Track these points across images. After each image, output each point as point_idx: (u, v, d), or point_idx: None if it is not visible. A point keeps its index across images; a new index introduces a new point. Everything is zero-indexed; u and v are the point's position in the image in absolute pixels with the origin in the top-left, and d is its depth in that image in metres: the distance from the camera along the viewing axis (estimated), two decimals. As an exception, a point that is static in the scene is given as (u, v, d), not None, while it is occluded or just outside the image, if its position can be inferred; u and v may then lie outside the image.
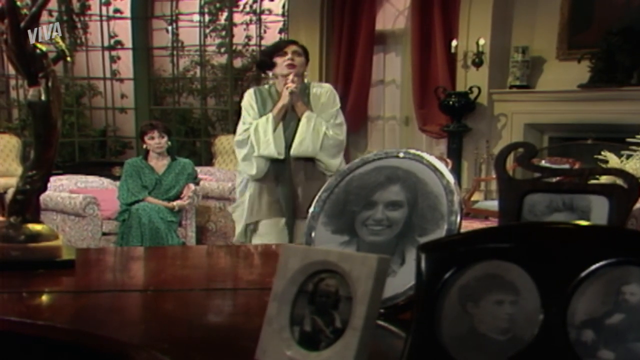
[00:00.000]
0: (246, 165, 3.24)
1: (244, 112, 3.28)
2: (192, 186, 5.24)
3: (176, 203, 5.14)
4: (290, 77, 3.15)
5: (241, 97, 3.34)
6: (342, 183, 1.30)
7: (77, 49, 9.08)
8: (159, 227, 4.93)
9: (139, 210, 4.95)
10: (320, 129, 3.15)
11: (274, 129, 3.16)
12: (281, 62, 3.20)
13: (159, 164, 5.20)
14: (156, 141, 5.13)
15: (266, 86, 3.34)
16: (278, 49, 3.27)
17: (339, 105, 3.28)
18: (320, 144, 3.15)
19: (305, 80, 3.31)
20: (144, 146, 5.22)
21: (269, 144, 3.14)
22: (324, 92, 3.26)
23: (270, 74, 3.32)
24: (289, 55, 3.20)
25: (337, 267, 0.86)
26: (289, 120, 3.21)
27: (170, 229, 5.05)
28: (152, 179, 5.13)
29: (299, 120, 3.18)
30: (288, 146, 3.18)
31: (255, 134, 3.16)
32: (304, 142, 3.15)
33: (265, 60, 3.35)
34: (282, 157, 3.18)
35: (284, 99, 3.17)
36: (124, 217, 5.02)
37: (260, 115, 3.21)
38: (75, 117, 9.05)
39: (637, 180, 1.21)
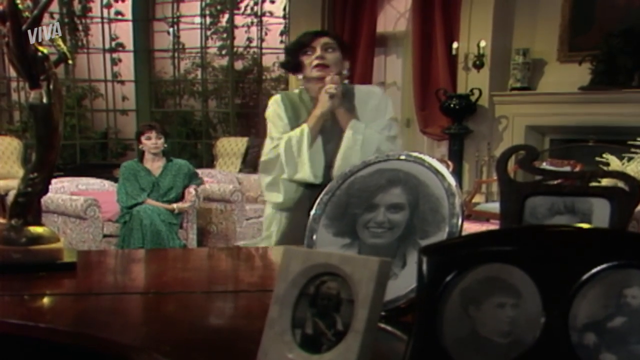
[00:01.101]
0: (271, 194, 2.48)
1: (270, 126, 2.53)
2: (192, 191, 5.23)
3: (176, 205, 5.14)
4: (329, 76, 2.42)
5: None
6: (343, 186, 1.31)
7: (78, 51, 9.10)
8: (160, 229, 4.93)
9: (140, 212, 4.95)
10: (371, 143, 2.39)
11: (311, 145, 2.41)
12: (309, 63, 2.46)
13: (155, 165, 5.19)
14: (153, 141, 5.13)
15: (296, 91, 2.61)
16: (303, 45, 2.49)
17: (392, 113, 2.52)
18: None
19: (346, 81, 2.55)
20: (140, 146, 5.22)
21: (304, 164, 2.39)
22: (373, 96, 2.51)
23: (299, 76, 2.56)
24: (318, 53, 2.45)
25: (339, 269, 0.86)
26: (329, 133, 2.46)
27: (172, 231, 5.05)
28: (149, 181, 5.13)
29: (341, 132, 2.44)
30: (328, 167, 2.44)
31: (287, 151, 2.41)
32: (350, 159, 2.33)
33: (289, 60, 2.58)
34: (318, 181, 2.38)
35: (323, 105, 2.42)
36: (125, 219, 5.03)
37: (292, 128, 2.46)
38: (77, 119, 9.07)
39: (638, 183, 1.21)
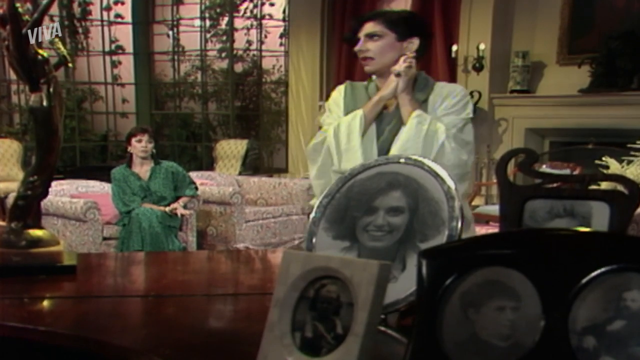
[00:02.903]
0: (320, 186, 2.09)
1: (326, 114, 2.26)
2: (181, 209, 5.10)
3: (170, 208, 5.07)
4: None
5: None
6: (343, 189, 1.31)
7: (78, 54, 9.10)
8: (159, 231, 4.92)
9: (139, 215, 4.94)
10: (437, 138, 1.98)
11: (363, 132, 2.05)
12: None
13: (143, 169, 5.17)
14: (143, 144, 5.10)
15: (364, 82, 2.27)
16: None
17: (470, 115, 2.10)
18: (434, 157, 1.89)
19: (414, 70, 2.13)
20: (129, 148, 5.19)
21: (355, 151, 2.03)
22: (452, 94, 2.11)
23: None
24: (359, 45, 2.12)
25: (339, 273, 0.86)
26: (387, 119, 2.10)
27: (171, 233, 5.04)
28: (139, 186, 5.11)
29: (400, 124, 2.06)
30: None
31: (335, 137, 2.07)
32: (408, 148, 1.95)
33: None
34: None
35: (387, 86, 2.07)
36: (125, 222, 5.02)
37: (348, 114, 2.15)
38: (77, 122, 9.06)
39: (637, 187, 1.21)
